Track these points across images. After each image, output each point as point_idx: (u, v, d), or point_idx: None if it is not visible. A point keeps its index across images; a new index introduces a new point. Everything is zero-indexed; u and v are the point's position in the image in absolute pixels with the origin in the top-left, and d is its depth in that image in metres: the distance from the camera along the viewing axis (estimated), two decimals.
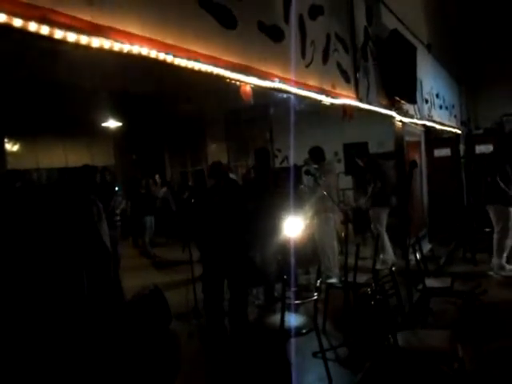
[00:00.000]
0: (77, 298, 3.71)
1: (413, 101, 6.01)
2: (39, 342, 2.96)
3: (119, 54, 2.25)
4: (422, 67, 6.58)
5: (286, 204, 4.39)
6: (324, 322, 4.10)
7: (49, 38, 1.71)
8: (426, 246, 6.79)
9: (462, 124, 10.38)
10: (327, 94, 3.61)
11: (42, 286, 3.36)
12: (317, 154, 5.77)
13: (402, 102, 5.58)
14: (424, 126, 7.41)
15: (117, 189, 6.12)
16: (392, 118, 5.95)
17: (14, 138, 9.88)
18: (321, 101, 3.57)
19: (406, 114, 5.95)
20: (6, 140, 9.68)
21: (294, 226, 4.05)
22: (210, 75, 2.33)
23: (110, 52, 2.18)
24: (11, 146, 9.83)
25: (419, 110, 6.76)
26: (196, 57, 2.25)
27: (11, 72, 5.41)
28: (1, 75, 5.57)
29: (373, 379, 3.15)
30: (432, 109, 7.72)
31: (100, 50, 1.97)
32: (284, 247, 4.30)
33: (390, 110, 5.45)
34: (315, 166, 5.64)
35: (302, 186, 5.78)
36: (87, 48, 1.88)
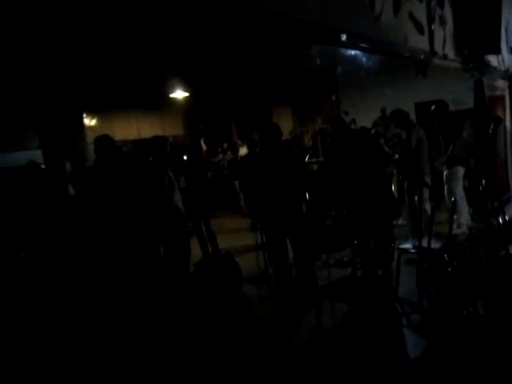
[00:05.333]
0: (154, 259, 3.95)
1: (496, 50, 5.45)
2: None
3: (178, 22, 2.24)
4: (508, 11, 5.91)
5: (359, 168, 4.23)
6: (396, 288, 4.00)
7: None
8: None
9: None
10: (399, 48, 3.36)
11: (123, 247, 3.61)
12: (400, 118, 5.49)
13: (484, 52, 5.08)
14: (509, 78, 6.71)
15: (185, 158, 6.25)
16: (471, 71, 5.47)
17: (92, 113, 10.47)
18: (391, 56, 3.33)
19: (487, 66, 5.42)
20: (84, 115, 10.28)
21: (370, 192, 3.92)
22: (273, 34, 2.25)
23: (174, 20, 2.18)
24: (89, 121, 10.44)
25: (503, 61, 6.13)
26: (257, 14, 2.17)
27: (87, 51, 5.67)
28: (79, 56, 5.86)
29: (448, 347, 3.04)
30: None
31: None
32: (358, 213, 4.18)
33: (470, 62, 4.99)
34: (400, 131, 5.39)
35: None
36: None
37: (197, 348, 3.44)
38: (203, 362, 3.26)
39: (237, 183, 8.54)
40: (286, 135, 11.13)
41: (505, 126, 6.70)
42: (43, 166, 7.00)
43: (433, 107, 5.79)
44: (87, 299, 3.42)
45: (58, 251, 3.55)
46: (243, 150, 9.75)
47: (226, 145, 11.18)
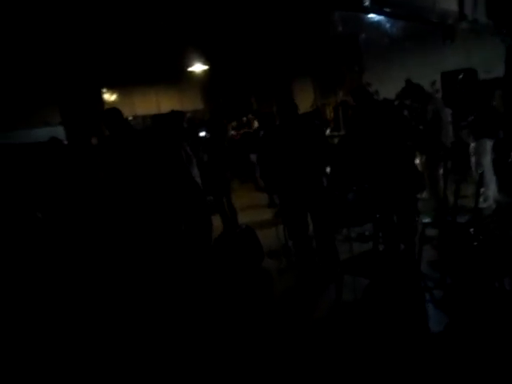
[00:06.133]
0: (174, 230, 3.98)
1: None
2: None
3: None
4: None
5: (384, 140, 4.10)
6: (419, 263, 3.93)
7: None
8: None
9: None
10: (426, 12, 3.17)
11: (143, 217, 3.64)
12: (414, 91, 5.28)
13: None
14: None
15: (203, 134, 6.21)
16: (502, 36, 5.19)
17: (113, 89, 10.50)
18: (418, 21, 3.16)
19: None
20: (104, 91, 10.31)
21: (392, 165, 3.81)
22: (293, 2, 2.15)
23: None
24: (109, 97, 10.46)
25: None
26: None
27: (106, 27, 5.63)
28: (99, 32, 5.85)
29: (473, 323, 2.99)
30: None
31: None
32: (381, 187, 4.09)
33: (502, 27, 4.71)
34: (415, 104, 5.20)
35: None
36: None
37: (217, 323, 3.49)
38: (223, 336, 3.30)
39: (253, 156, 8.47)
40: (306, 108, 10.97)
41: None
42: (65, 143, 7.10)
43: (461, 76, 5.55)
44: (108, 274, 3.49)
45: (77, 225, 3.61)
46: (256, 125, 9.60)
47: (244, 118, 11.07)
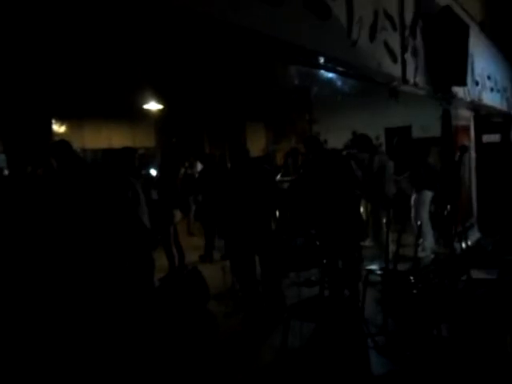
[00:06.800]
0: (116, 271, 3.82)
1: (462, 83, 5.71)
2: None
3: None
4: (474, 47, 6.22)
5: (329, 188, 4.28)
6: (362, 309, 4.02)
7: None
8: (475, 236, 6.49)
9: None
10: (373, 73, 3.45)
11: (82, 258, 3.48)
12: (363, 143, 5.61)
13: (451, 84, 5.31)
14: (473, 109, 7.03)
15: (154, 172, 6.15)
16: (439, 100, 5.70)
17: (61, 120, 10.22)
18: (365, 81, 3.42)
19: (454, 97, 5.66)
20: (53, 121, 10.02)
21: (338, 212, 3.96)
22: (251, 52, 2.27)
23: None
24: (58, 127, 10.17)
25: (469, 93, 6.43)
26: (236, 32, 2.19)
27: (59, 57, 5.56)
28: (49, 60, 5.75)
29: (414, 369, 3.07)
30: (483, 92, 7.31)
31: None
32: (327, 233, 4.21)
33: (438, 92, 5.19)
34: (365, 154, 5.51)
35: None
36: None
37: (159, 364, 3.34)
38: (165, 379, 3.16)
39: (191, 198, 8.38)
40: (258, 152, 11.23)
41: (470, 155, 6.98)
42: (6, 172, 6.77)
43: (396, 138, 6.01)
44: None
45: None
46: (198, 167, 9.60)
47: (192, 159, 11.02)
